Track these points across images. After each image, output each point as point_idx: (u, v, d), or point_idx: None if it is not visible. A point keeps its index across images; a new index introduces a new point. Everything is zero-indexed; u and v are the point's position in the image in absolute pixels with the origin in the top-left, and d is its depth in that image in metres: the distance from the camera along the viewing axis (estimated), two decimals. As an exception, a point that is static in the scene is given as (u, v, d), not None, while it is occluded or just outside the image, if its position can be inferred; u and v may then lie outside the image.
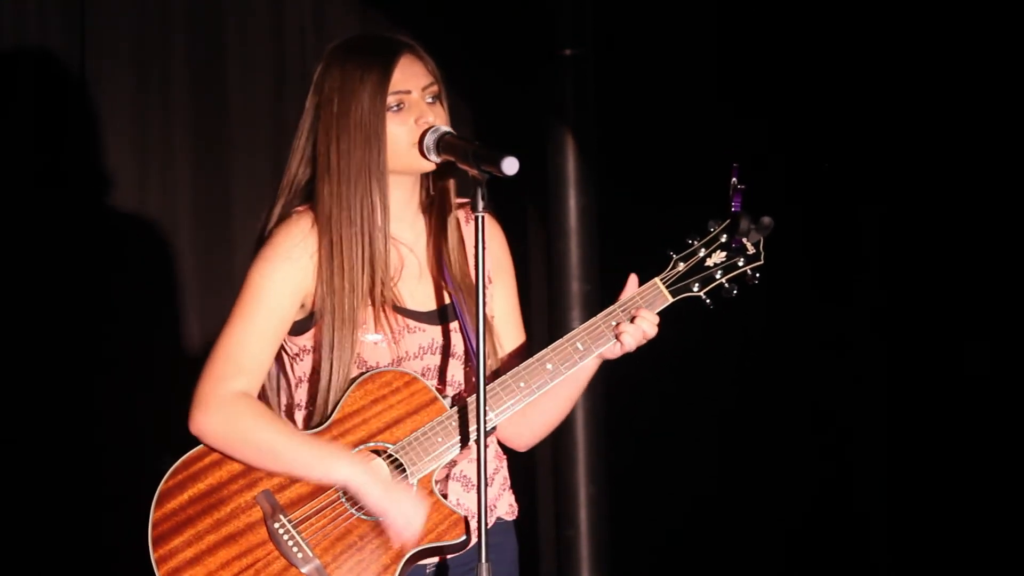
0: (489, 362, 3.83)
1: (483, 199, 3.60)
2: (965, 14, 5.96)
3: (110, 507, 5.53)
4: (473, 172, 3.62)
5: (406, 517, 3.67)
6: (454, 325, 3.82)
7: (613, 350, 3.77)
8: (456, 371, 3.83)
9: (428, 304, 3.82)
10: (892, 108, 6.23)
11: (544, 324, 6.42)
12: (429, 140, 3.73)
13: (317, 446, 3.69)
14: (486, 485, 3.57)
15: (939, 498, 6.21)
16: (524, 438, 3.96)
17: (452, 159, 3.70)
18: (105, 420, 5.68)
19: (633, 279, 3.77)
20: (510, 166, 3.56)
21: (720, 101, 6.45)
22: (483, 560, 3.56)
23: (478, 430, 3.59)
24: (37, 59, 5.68)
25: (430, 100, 3.79)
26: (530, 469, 6.57)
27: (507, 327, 3.94)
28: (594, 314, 5.55)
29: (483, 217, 3.60)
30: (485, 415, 3.60)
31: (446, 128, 3.75)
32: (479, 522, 3.57)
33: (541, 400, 3.80)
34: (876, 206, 6.34)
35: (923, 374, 6.24)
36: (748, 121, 6.37)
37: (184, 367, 5.48)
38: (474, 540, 3.78)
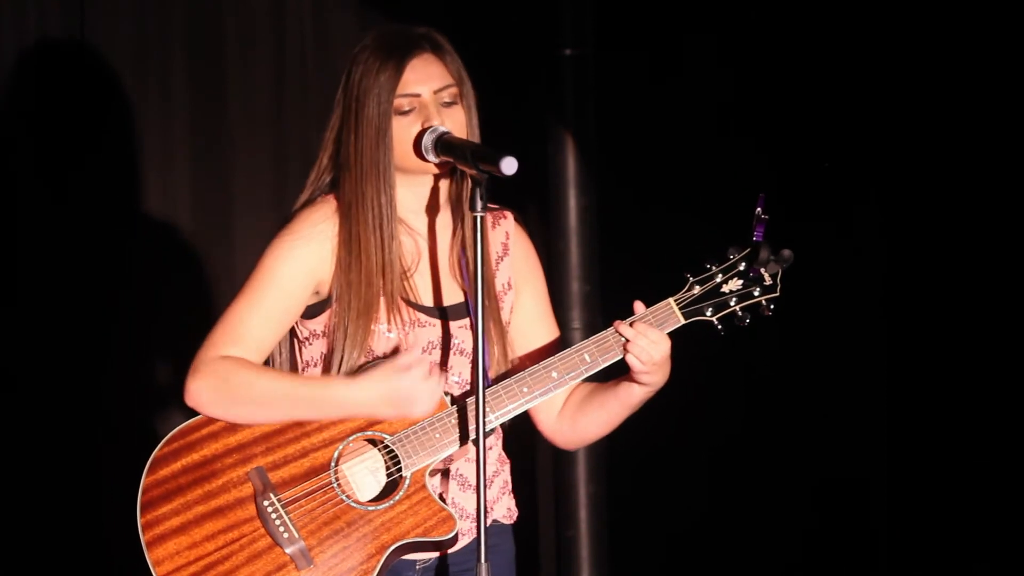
0: (499, 366, 3.84)
1: (482, 199, 3.60)
2: (962, 12, 5.96)
3: (109, 507, 5.53)
4: (472, 172, 3.62)
5: (417, 394, 3.67)
6: (464, 322, 3.81)
7: (640, 380, 3.76)
8: (463, 368, 3.82)
9: (440, 299, 3.83)
10: (891, 107, 6.23)
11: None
12: (427, 141, 3.72)
13: (311, 381, 3.71)
14: (485, 485, 3.57)
15: (940, 507, 6.21)
16: (572, 442, 3.97)
17: (451, 159, 3.70)
18: (106, 419, 5.68)
19: (639, 304, 3.78)
20: (509, 166, 3.56)
21: (720, 101, 6.45)
22: (482, 560, 3.55)
23: (477, 430, 3.59)
24: (37, 59, 5.68)
25: (446, 101, 3.78)
26: (530, 469, 6.58)
27: (538, 329, 3.93)
28: (595, 314, 5.55)
29: (482, 217, 3.60)
30: (485, 415, 3.61)
31: (444, 128, 3.74)
32: (478, 521, 3.57)
33: (591, 410, 3.84)
34: (876, 206, 6.35)
35: (925, 379, 6.25)
36: (748, 121, 6.37)
37: (184, 366, 5.49)
38: (463, 538, 3.80)
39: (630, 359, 3.72)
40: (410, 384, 3.68)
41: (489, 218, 3.87)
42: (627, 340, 3.72)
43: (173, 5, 5.93)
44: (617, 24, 6.55)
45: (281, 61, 6.10)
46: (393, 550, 3.69)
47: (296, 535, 3.68)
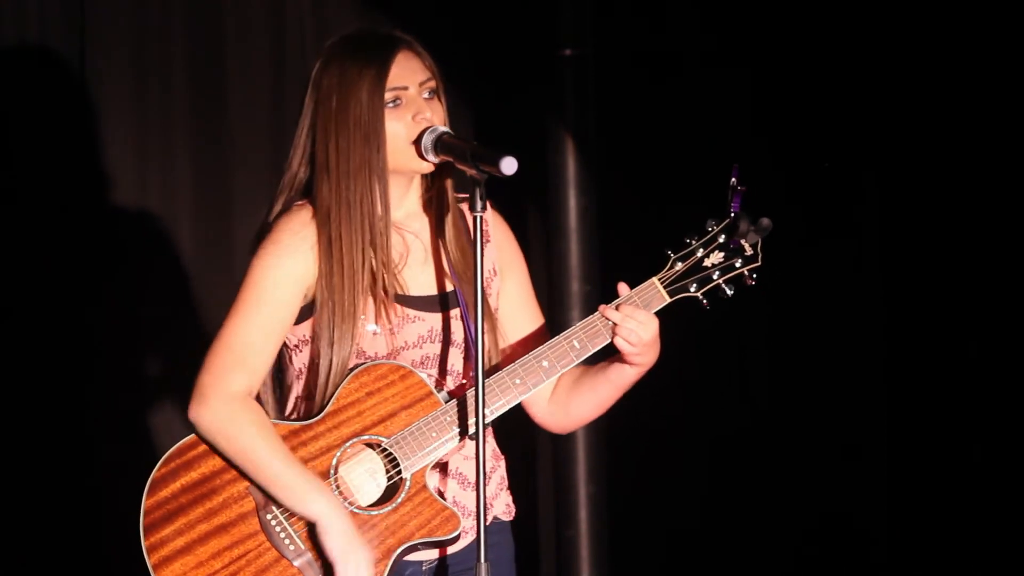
0: (491, 355, 3.84)
1: (481, 199, 3.59)
2: (963, 11, 5.96)
3: (105, 505, 5.53)
4: (471, 172, 3.62)
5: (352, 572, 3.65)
6: (454, 313, 3.81)
7: (631, 361, 3.75)
8: (455, 360, 3.82)
9: (430, 290, 3.82)
10: (891, 105, 6.23)
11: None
12: (427, 140, 3.72)
13: (299, 474, 3.67)
14: (484, 483, 3.57)
15: (940, 512, 6.20)
16: (565, 426, 3.95)
17: (450, 159, 3.70)
18: (105, 418, 5.68)
19: (623, 286, 3.77)
20: (508, 166, 3.55)
21: (720, 101, 6.45)
22: (482, 560, 3.55)
23: (476, 429, 3.59)
24: (37, 59, 5.68)
25: (427, 96, 3.78)
26: (530, 469, 6.57)
27: (523, 315, 3.94)
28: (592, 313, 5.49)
29: (481, 218, 3.60)
30: (484, 413, 3.60)
31: (444, 128, 3.74)
32: (478, 521, 3.56)
33: (583, 393, 3.83)
34: (875, 205, 6.35)
35: (924, 378, 6.24)
36: (748, 121, 6.37)
37: (184, 365, 5.48)
38: (466, 536, 3.79)
39: (619, 343, 3.71)
40: (354, 571, 3.65)
41: (464, 207, 3.87)
42: (615, 324, 3.72)
43: (173, 4, 5.92)
44: (617, 24, 6.54)
45: (281, 61, 6.10)
46: (400, 553, 3.69)
47: (302, 546, 3.67)
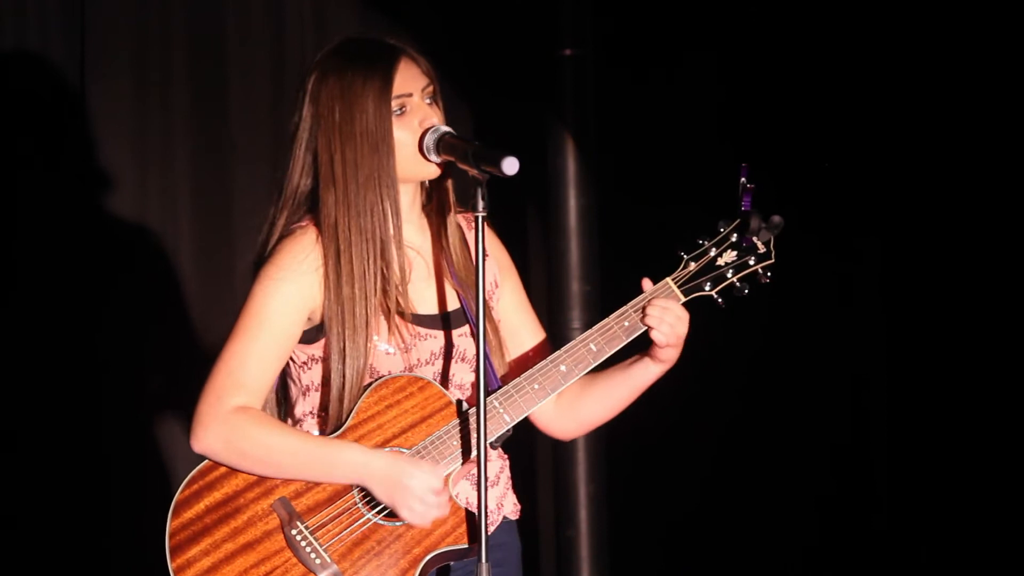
0: (497, 365, 3.84)
1: (483, 199, 3.59)
2: (965, 17, 5.97)
3: (113, 512, 5.53)
4: (473, 172, 3.61)
5: (416, 496, 3.64)
6: (464, 330, 3.81)
7: (660, 356, 3.76)
8: (467, 375, 3.82)
9: (439, 309, 3.81)
10: (892, 108, 6.23)
11: (544, 324, 6.41)
12: (429, 140, 3.71)
13: (320, 444, 3.67)
14: (486, 486, 3.56)
15: (941, 504, 6.21)
16: (572, 431, 3.96)
17: (452, 159, 3.69)
18: (104, 423, 5.68)
19: (646, 281, 3.78)
20: (510, 166, 3.55)
21: (720, 101, 6.45)
22: (483, 560, 3.55)
23: (478, 434, 3.58)
24: (37, 60, 5.68)
25: (428, 101, 3.77)
26: (530, 469, 6.58)
27: (522, 324, 3.94)
28: (595, 314, 5.53)
29: (483, 218, 3.60)
30: (486, 418, 3.59)
31: (446, 128, 3.74)
32: (479, 523, 3.56)
33: (596, 395, 3.83)
34: (875, 205, 6.35)
35: (924, 376, 6.25)
36: (749, 121, 6.38)
37: (184, 370, 5.48)
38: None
39: (656, 336, 3.72)
40: (418, 492, 3.63)
41: (463, 220, 3.87)
42: (650, 316, 3.71)
43: (173, 5, 5.93)
44: (617, 24, 6.55)
45: (281, 62, 6.10)
46: (427, 562, 3.69)
47: (328, 560, 3.67)
